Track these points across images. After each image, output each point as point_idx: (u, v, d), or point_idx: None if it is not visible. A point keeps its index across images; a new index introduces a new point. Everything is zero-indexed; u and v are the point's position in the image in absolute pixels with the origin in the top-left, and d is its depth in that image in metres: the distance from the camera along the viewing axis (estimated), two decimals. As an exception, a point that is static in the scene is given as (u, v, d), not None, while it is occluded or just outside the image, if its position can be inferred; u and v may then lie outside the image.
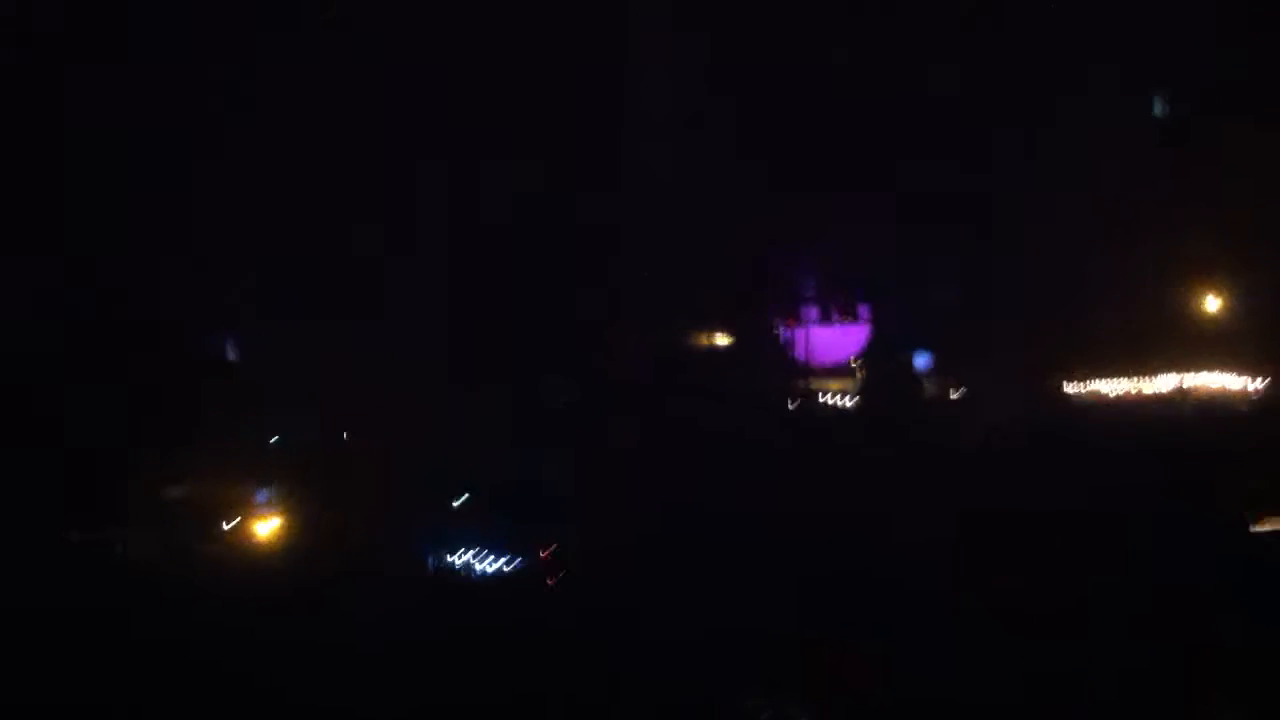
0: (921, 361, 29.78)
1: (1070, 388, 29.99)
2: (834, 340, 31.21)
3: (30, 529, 23.39)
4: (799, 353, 30.49)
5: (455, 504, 27.66)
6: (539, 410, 28.31)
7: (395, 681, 19.15)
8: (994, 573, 19.55)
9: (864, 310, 31.59)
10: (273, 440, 28.31)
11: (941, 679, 16.86)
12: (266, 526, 27.56)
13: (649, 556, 22.67)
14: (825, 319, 31.54)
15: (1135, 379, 29.69)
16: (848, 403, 29.77)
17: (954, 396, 29.33)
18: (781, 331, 30.78)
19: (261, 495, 28.91)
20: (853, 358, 30.87)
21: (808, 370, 30.46)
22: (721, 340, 30.91)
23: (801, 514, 22.52)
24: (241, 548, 27.36)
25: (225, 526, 28.27)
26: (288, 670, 19.54)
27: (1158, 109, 30.02)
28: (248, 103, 25.82)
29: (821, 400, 29.82)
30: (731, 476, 24.13)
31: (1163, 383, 29.21)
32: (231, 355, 29.07)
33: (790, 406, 29.20)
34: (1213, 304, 29.91)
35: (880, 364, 30.05)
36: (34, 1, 23.88)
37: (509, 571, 26.89)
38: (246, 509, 28.23)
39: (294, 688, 18.80)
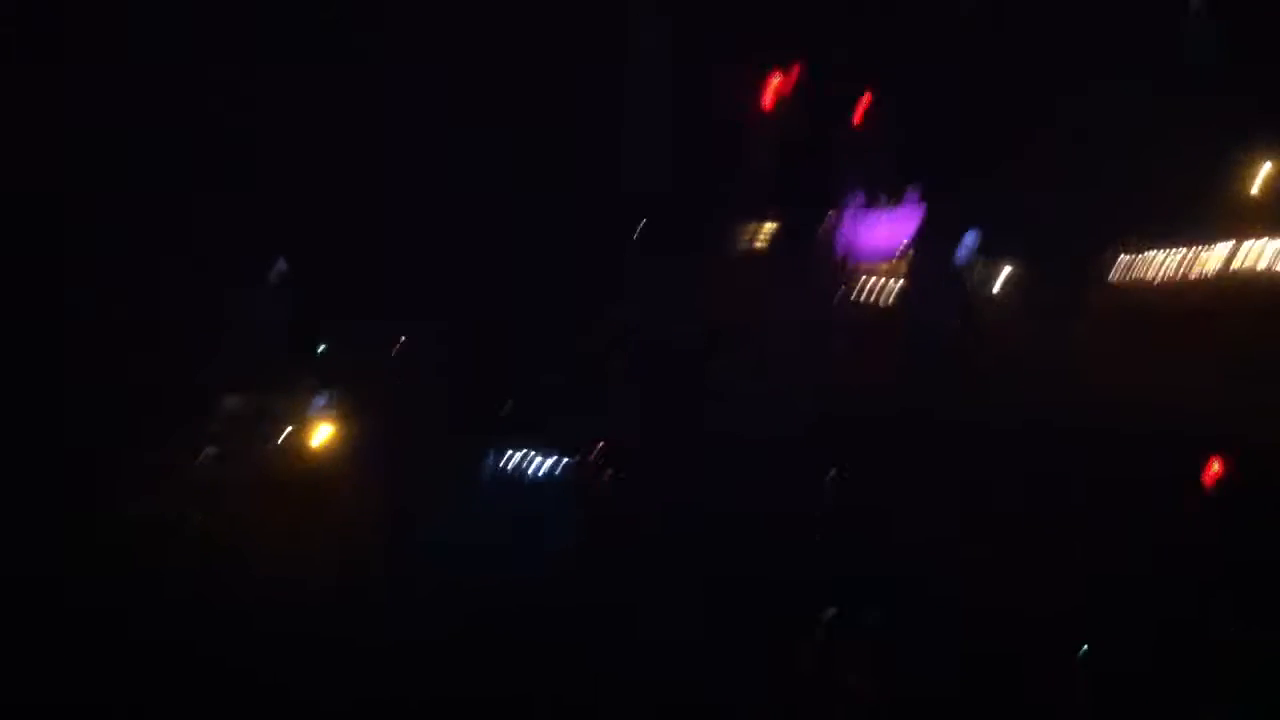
0: (965, 249, 29.29)
1: (1120, 269, 29.56)
2: (881, 228, 30.79)
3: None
4: (842, 244, 30.16)
5: (503, 411, 28.24)
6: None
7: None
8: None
9: (912, 193, 31.06)
10: (320, 349, 28.73)
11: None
12: (323, 433, 28.29)
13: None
14: (872, 203, 31.06)
15: (1189, 253, 29.17)
16: (890, 299, 29.60)
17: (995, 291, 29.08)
18: (826, 221, 30.42)
19: (319, 401, 29.61)
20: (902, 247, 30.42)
21: (853, 262, 30.21)
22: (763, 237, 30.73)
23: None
24: (299, 453, 28.23)
25: (284, 432, 29.10)
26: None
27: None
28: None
29: (864, 298, 29.69)
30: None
31: (1211, 261, 28.71)
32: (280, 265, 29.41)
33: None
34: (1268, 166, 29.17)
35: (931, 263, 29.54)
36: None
37: (560, 474, 27.59)
38: (304, 416, 28.99)
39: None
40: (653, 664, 18.34)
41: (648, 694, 17.98)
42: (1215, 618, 16.92)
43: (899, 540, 20.39)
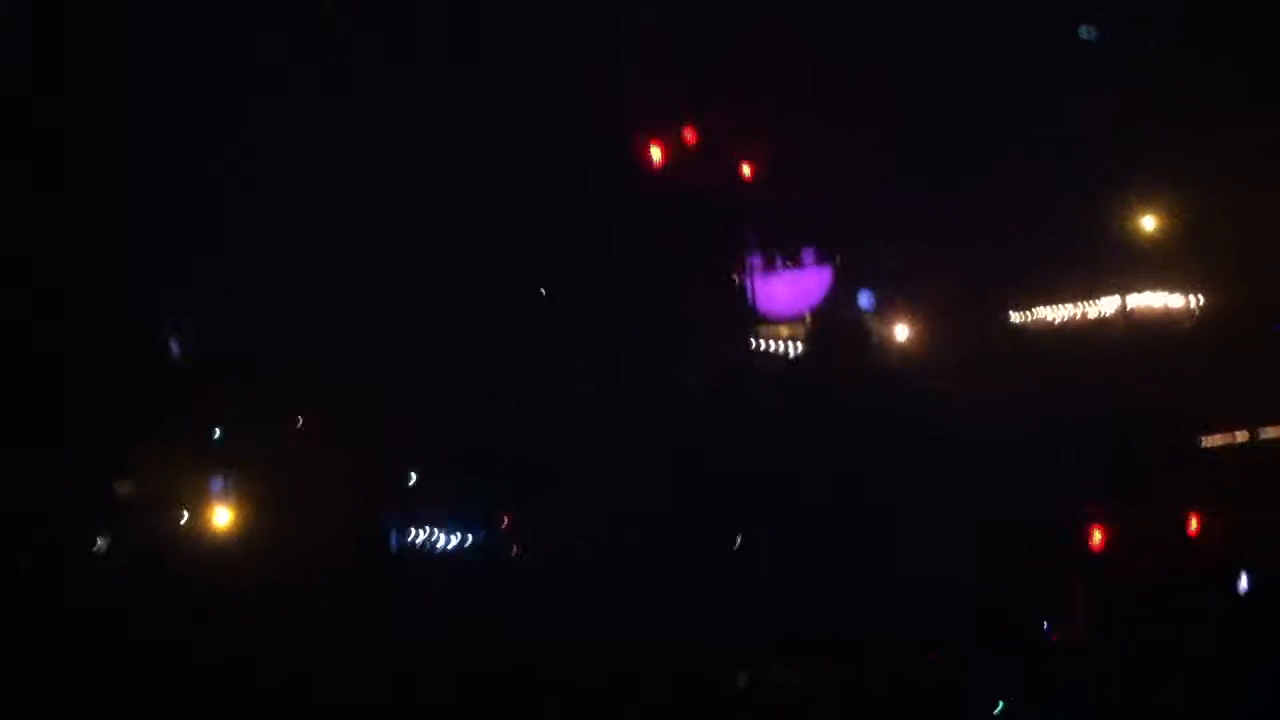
0: (866, 300, 29.69)
1: (1016, 316, 30.13)
2: (782, 288, 31.02)
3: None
4: (746, 302, 30.28)
5: (410, 482, 27.63)
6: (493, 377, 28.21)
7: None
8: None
9: (809, 255, 31.36)
10: (216, 433, 27.96)
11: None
12: (222, 516, 27.40)
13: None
14: (769, 266, 31.27)
15: (1079, 303, 29.85)
16: (795, 350, 29.78)
17: (901, 338, 29.41)
18: (730, 281, 30.54)
19: (215, 484, 28.74)
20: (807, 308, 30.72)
21: (756, 320, 30.34)
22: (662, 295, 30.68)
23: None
24: (199, 538, 27.28)
25: (182, 518, 28.16)
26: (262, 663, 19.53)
27: (1089, 34, 29.97)
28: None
29: (769, 350, 29.82)
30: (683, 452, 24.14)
31: (1106, 305, 29.42)
32: (179, 348, 28.66)
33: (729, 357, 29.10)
34: (1151, 222, 30.02)
35: (827, 310, 29.96)
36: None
37: (469, 546, 26.99)
38: (202, 500, 28.09)
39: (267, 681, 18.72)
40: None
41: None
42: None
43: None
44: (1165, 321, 28.45)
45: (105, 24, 23.84)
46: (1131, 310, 29.09)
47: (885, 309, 29.87)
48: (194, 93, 25.31)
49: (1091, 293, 29.59)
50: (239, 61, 25.68)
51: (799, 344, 30.95)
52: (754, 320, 30.28)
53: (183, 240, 26.49)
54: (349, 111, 26.70)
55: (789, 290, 30.88)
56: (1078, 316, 29.63)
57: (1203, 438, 24.21)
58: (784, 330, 31.41)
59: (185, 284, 26.96)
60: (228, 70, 25.60)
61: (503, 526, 26.86)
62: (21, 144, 23.57)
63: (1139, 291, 29.17)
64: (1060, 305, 29.89)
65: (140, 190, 25.68)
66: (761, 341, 30.77)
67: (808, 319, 30.75)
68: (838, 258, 30.78)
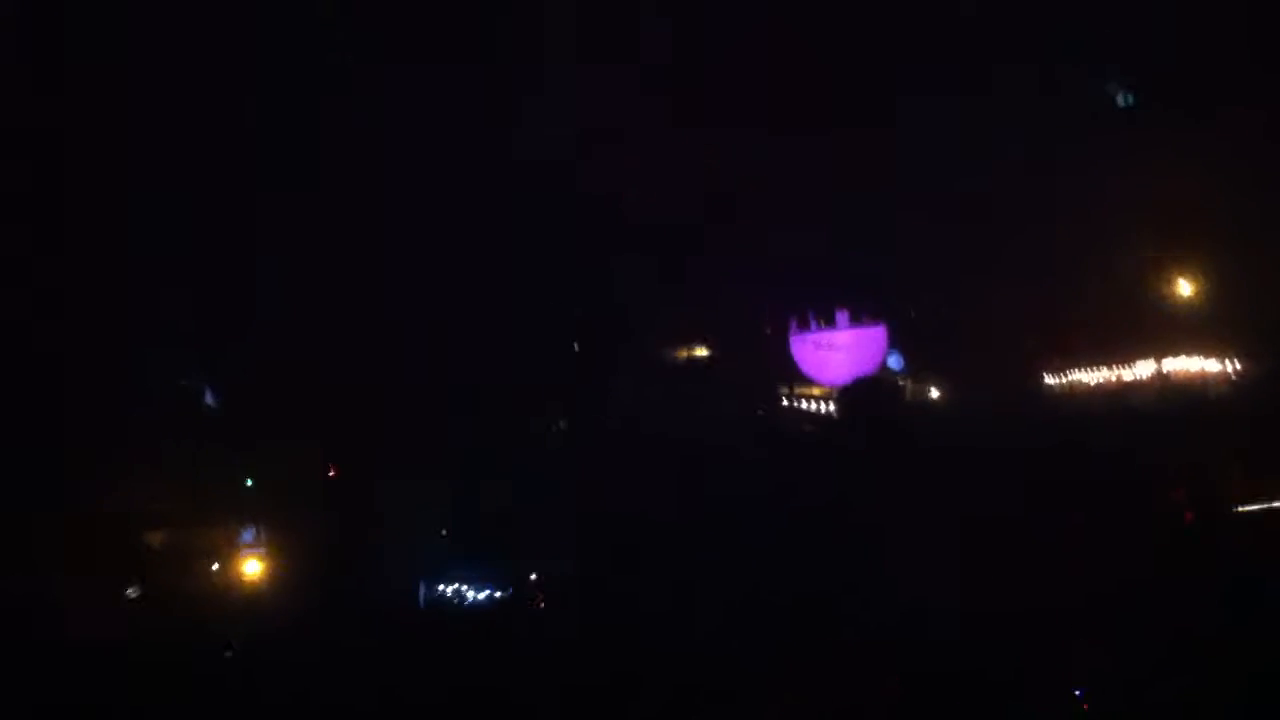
0: (896, 362, 29.67)
1: (1050, 379, 29.98)
2: (832, 355, 31.01)
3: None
4: (783, 362, 30.29)
5: (443, 532, 27.64)
6: (524, 441, 28.26)
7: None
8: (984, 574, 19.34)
9: (843, 317, 31.39)
10: (248, 483, 28.07)
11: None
12: (252, 566, 27.44)
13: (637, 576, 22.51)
14: (804, 327, 31.31)
15: (1114, 366, 29.68)
16: (828, 408, 29.74)
17: (934, 396, 29.36)
18: (765, 341, 30.58)
19: (247, 535, 28.81)
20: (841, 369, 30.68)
21: (792, 378, 30.35)
22: (701, 353, 30.77)
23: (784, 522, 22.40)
24: (230, 588, 27.30)
25: (213, 568, 28.22)
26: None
27: (1121, 98, 30.05)
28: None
29: (803, 407, 29.80)
30: (713, 487, 24.06)
31: (1142, 369, 29.23)
32: (209, 399, 28.86)
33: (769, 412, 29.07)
34: (1187, 288, 29.88)
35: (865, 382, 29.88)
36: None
37: (499, 599, 26.91)
38: (232, 550, 28.15)
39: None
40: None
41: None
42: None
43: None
44: (1201, 386, 28.21)
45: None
46: (1167, 374, 28.89)
47: (917, 371, 29.84)
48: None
49: (1127, 356, 29.43)
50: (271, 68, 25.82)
51: (831, 404, 30.92)
52: (789, 379, 30.31)
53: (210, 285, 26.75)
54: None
55: (828, 352, 30.91)
56: (1113, 380, 29.46)
57: (1238, 505, 23.86)
58: (816, 390, 31.42)
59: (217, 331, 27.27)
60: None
61: (529, 583, 26.78)
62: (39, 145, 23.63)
63: (1175, 356, 28.97)
64: (1095, 369, 29.74)
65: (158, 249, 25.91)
66: (795, 400, 30.77)
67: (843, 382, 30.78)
68: (879, 321, 30.85)
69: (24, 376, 24.83)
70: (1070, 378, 30.00)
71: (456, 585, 29.45)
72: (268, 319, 27.02)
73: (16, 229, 24.07)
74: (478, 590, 29.17)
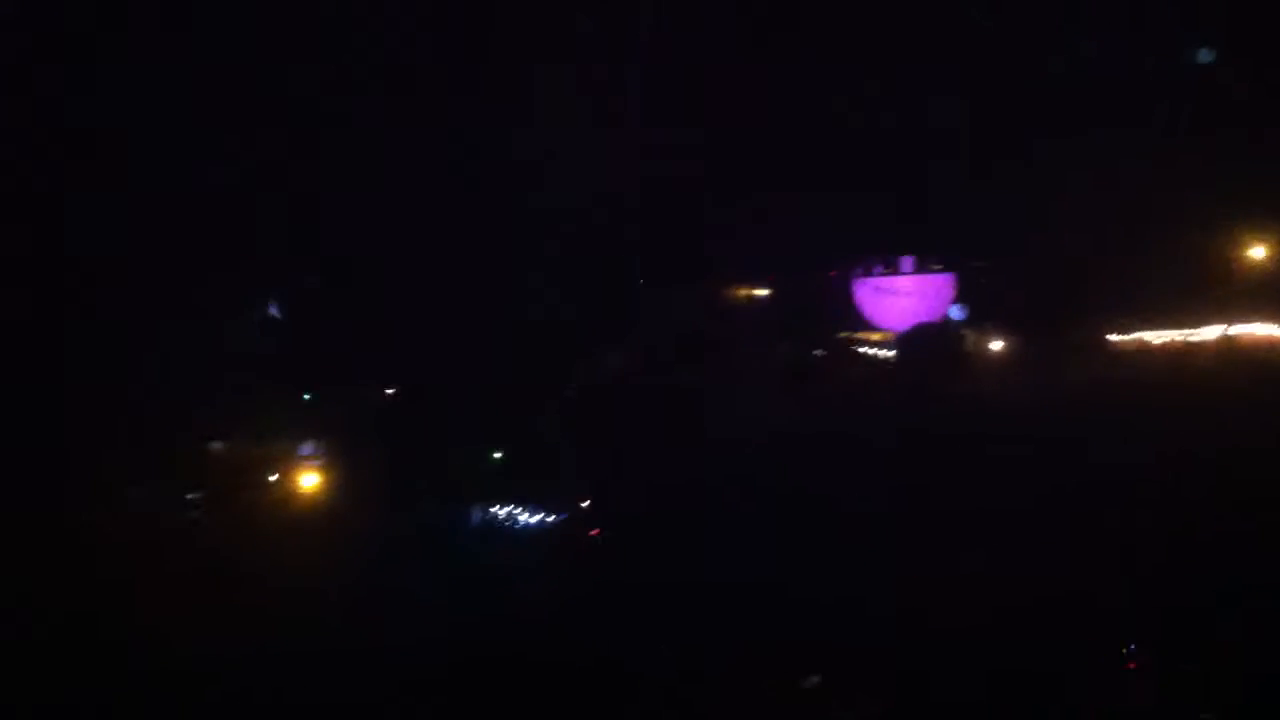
0: (958, 312, 29.49)
1: (1115, 337, 29.72)
2: (899, 299, 30.91)
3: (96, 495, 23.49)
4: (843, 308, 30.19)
5: (496, 455, 27.91)
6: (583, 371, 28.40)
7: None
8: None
9: (908, 264, 31.24)
10: (306, 396, 28.41)
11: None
12: (310, 479, 27.91)
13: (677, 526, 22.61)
14: (868, 274, 31.20)
15: (1181, 328, 29.37)
16: (886, 354, 29.65)
17: (995, 349, 29.18)
18: (828, 286, 30.48)
19: (305, 449, 29.27)
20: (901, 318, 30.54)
21: (852, 324, 30.28)
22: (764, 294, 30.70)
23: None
24: (288, 499, 27.80)
25: (272, 479, 28.72)
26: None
27: (1205, 56, 29.50)
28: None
29: (861, 352, 29.73)
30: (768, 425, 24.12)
31: (1209, 332, 28.90)
32: (274, 313, 29.20)
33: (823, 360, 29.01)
34: (1259, 252, 29.44)
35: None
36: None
37: (550, 523, 27.19)
38: (292, 463, 28.63)
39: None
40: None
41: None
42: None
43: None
44: (1269, 352, 27.87)
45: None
46: (1233, 339, 28.54)
47: (980, 322, 29.66)
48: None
49: (1195, 318, 29.09)
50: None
51: (890, 350, 30.84)
52: (849, 323, 30.24)
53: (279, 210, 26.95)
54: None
55: (892, 296, 30.82)
56: (1178, 341, 29.16)
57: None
58: (875, 335, 31.33)
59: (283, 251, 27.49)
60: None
61: (582, 508, 27.03)
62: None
63: (1244, 320, 28.60)
64: (1161, 330, 29.43)
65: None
66: (854, 345, 30.72)
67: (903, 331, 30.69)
68: (944, 269, 30.68)
69: (96, 294, 25.26)
70: (1134, 336, 29.73)
71: (509, 508, 29.78)
72: (336, 239, 27.20)
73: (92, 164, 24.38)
74: (530, 514, 29.49)
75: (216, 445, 28.32)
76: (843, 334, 30.71)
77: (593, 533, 26.60)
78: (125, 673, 18.01)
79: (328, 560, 23.58)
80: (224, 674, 18.56)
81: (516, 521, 27.85)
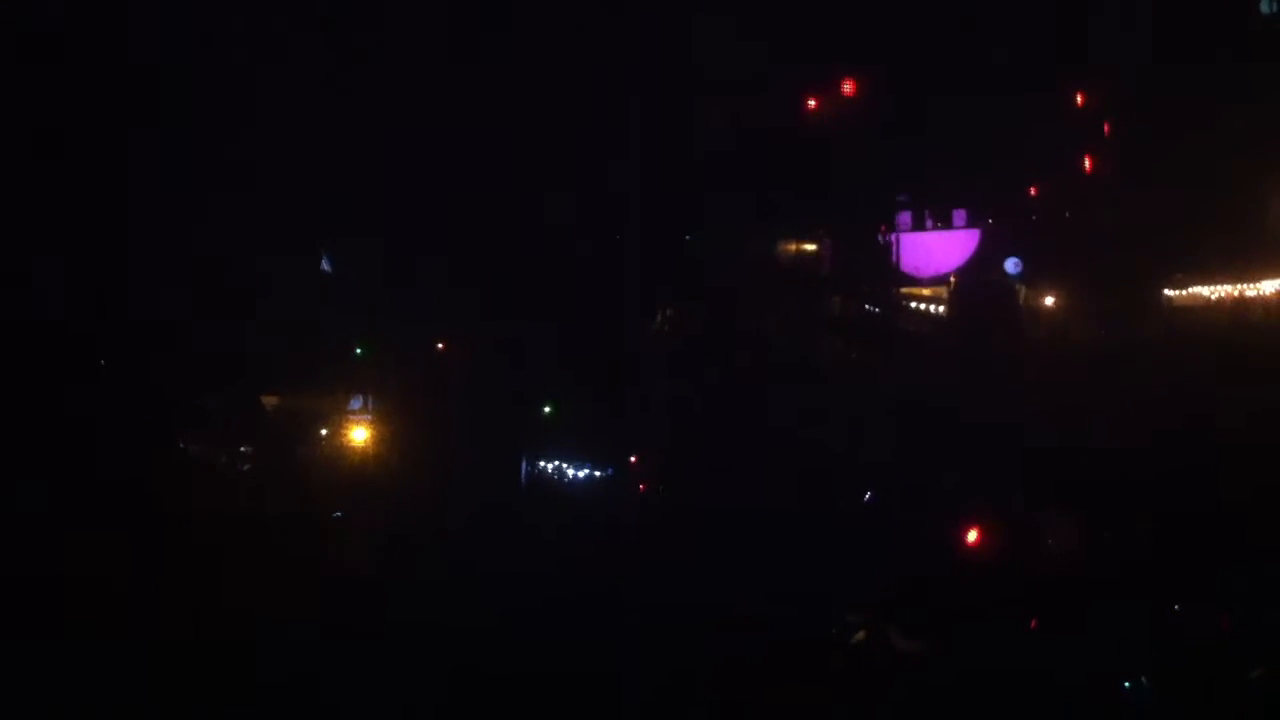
0: (1013, 266, 29.14)
1: (1170, 292, 29.35)
2: (930, 248, 30.58)
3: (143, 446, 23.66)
4: (893, 260, 29.85)
5: (546, 410, 27.98)
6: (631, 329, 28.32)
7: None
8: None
9: (959, 217, 30.85)
10: (358, 350, 28.52)
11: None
12: (360, 434, 28.13)
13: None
14: (919, 226, 30.82)
15: (1238, 283, 28.96)
16: (939, 310, 29.38)
17: (1049, 303, 28.87)
18: (877, 238, 30.14)
19: (355, 403, 29.49)
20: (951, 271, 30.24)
21: (901, 278, 29.97)
22: (810, 248, 30.44)
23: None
24: (339, 453, 28.05)
25: (322, 433, 28.96)
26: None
27: (1265, 5, 28.89)
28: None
29: (914, 308, 29.47)
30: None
31: (1267, 287, 28.48)
32: (325, 265, 29.30)
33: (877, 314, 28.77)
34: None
35: (972, 272, 29.45)
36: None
37: (600, 477, 27.30)
38: (341, 416, 28.86)
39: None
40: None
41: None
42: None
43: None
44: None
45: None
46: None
47: (1034, 278, 29.32)
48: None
49: (1253, 273, 28.64)
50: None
51: (942, 307, 30.58)
52: (899, 278, 29.94)
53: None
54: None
55: (936, 249, 30.47)
56: (1235, 295, 28.74)
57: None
58: (926, 291, 31.03)
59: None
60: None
61: (631, 464, 27.04)
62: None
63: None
64: (1218, 284, 29.00)
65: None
66: (905, 300, 30.47)
67: (952, 282, 30.32)
68: (988, 220, 30.30)
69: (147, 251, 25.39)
70: (1191, 291, 29.33)
71: (558, 463, 29.88)
72: (390, 197, 27.21)
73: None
74: (578, 468, 29.57)
75: (270, 400, 28.63)
76: (897, 289, 30.41)
77: (642, 487, 26.64)
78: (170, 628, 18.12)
79: (373, 517, 23.80)
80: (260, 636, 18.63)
81: (564, 475, 28.08)
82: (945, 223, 30.61)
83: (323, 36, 26.22)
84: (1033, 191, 29.95)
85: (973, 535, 18.81)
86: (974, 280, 29.39)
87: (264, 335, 26.70)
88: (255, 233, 25.89)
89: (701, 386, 25.57)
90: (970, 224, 30.32)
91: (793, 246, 29.94)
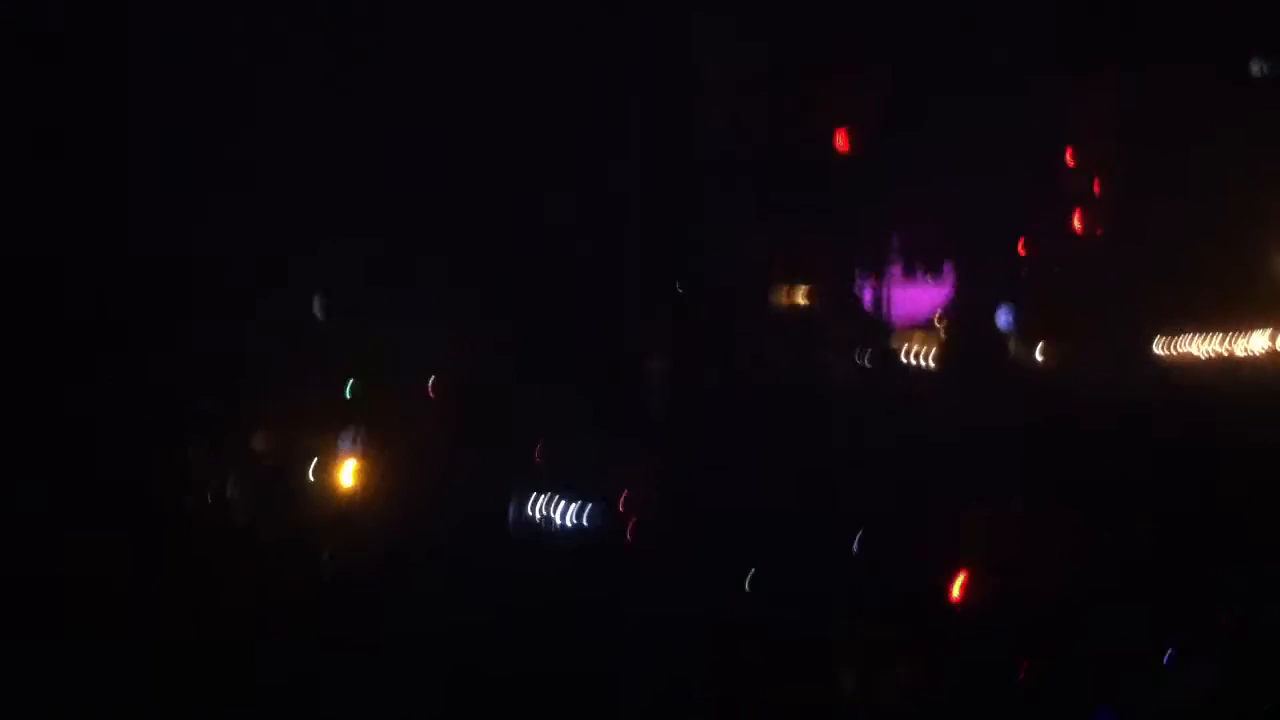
0: (1004, 319, 29.37)
1: (1159, 348, 29.54)
2: (918, 297, 30.80)
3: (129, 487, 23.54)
4: (882, 309, 30.03)
5: (538, 450, 27.84)
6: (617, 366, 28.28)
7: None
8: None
9: (949, 267, 31.14)
10: (349, 384, 28.39)
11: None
12: (349, 469, 27.92)
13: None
14: (909, 275, 31.07)
15: (1227, 339, 29.17)
16: (929, 361, 29.50)
17: (1039, 355, 29.03)
18: (865, 287, 30.34)
19: (344, 441, 29.30)
20: (937, 315, 30.45)
21: (890, 327, 30.11)
22: (800, 297, 30.55)
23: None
24: (326, 491, 27.82)
25: (310, 470, 28.75)
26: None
27: (1258, 66, 29.29)
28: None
29: (904, 358, 29.58)
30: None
31: (1256, 343, 28.68)
32: (316, 302, 29.20)
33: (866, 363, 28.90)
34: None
35: (963, 321, 29.64)
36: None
37: (588, 524, 27.13)
38: (330, 453, 28.65)
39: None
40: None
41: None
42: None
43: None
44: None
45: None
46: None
47: (1025, 328, 29.50)
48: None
49: (1242, 330, 28.85)
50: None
51: (932, 357, 30.72)
52: (888, 329, 30.09)
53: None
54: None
55: (924, 298, 30.70)
56: (1225, 352, 28.94)
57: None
58: (916, 341, 31.19)
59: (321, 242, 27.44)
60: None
61: (621, 502, 26.96)
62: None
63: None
64: (1208, 339, 29.21)
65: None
66: (894, 351, 30.60)
67: (941, 331, 30.49)
68: (967, 268, 30.56)
69: (138, 282, 25.29)
70: (1180, 348, 29.54)
71: (546, 500, 29.71)
72: (382, 226, 27.20)
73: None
74: (566, 509, 29.40)
75: (256, 437, 28.44)
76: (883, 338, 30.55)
77: (631, 522, 26.54)
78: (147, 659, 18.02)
79: (359, 550, 23.66)
80: (242, 662, 18.55)
81: (552, 520, 27.85)
82: (936, 273, 30.85)
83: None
84: (1021, 249, 30.26)
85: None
86: (963, 330, 29.59)
87: (253, 374, 26.65)
88: (254, 233, 25.90)
89: (699, 391, 25.66)
90: (955, 273, 30.60)
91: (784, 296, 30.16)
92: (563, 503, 27.57)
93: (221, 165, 25.55)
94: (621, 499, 26.51)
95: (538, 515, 27.91)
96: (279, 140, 26.00)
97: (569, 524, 27.56)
